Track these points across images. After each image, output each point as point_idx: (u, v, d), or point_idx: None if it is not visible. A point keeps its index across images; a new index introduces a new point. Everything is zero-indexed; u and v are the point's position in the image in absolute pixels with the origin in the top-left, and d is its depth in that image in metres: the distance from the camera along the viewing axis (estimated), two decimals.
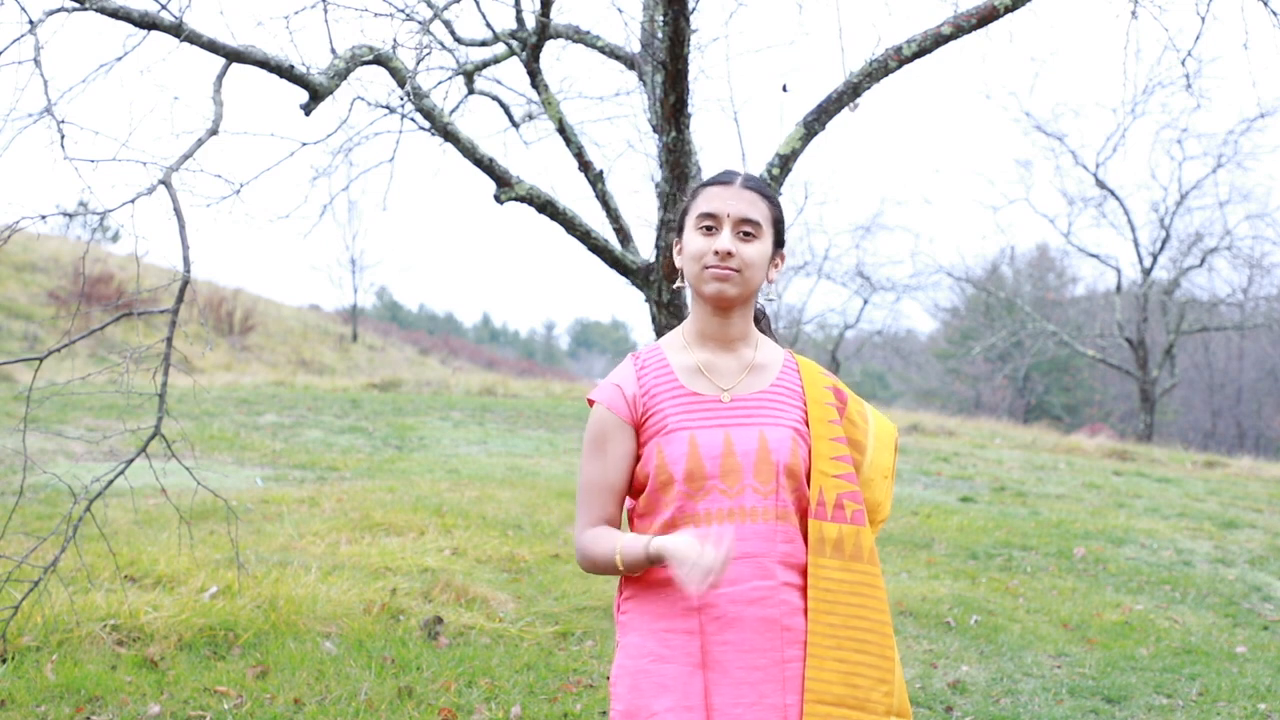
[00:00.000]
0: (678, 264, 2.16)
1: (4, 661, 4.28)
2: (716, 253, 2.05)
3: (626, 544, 2.03)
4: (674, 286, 2.42)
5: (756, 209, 2.10)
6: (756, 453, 2.05)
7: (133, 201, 3.99)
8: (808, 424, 2.12)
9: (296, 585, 5.28)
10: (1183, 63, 5.31)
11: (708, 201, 2.10)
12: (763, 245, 2.10)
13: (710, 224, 2.08)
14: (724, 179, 2.13)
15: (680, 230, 2.16)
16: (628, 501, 2.17)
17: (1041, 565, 7.71)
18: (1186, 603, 6.97)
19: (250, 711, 4.04)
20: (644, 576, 2.08)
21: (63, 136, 3.97)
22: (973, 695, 4.86)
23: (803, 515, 2.09)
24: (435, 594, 5.56)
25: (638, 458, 2.11)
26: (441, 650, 4.85)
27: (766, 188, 2.15)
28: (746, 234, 2.08)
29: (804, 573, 2.07)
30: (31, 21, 4.02)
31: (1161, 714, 4.77)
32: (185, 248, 4.05)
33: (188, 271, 4.04)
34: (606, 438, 2.11)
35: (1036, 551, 8.10)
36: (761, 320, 2.26)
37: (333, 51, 4.62)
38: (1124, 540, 8.74)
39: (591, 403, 2.15)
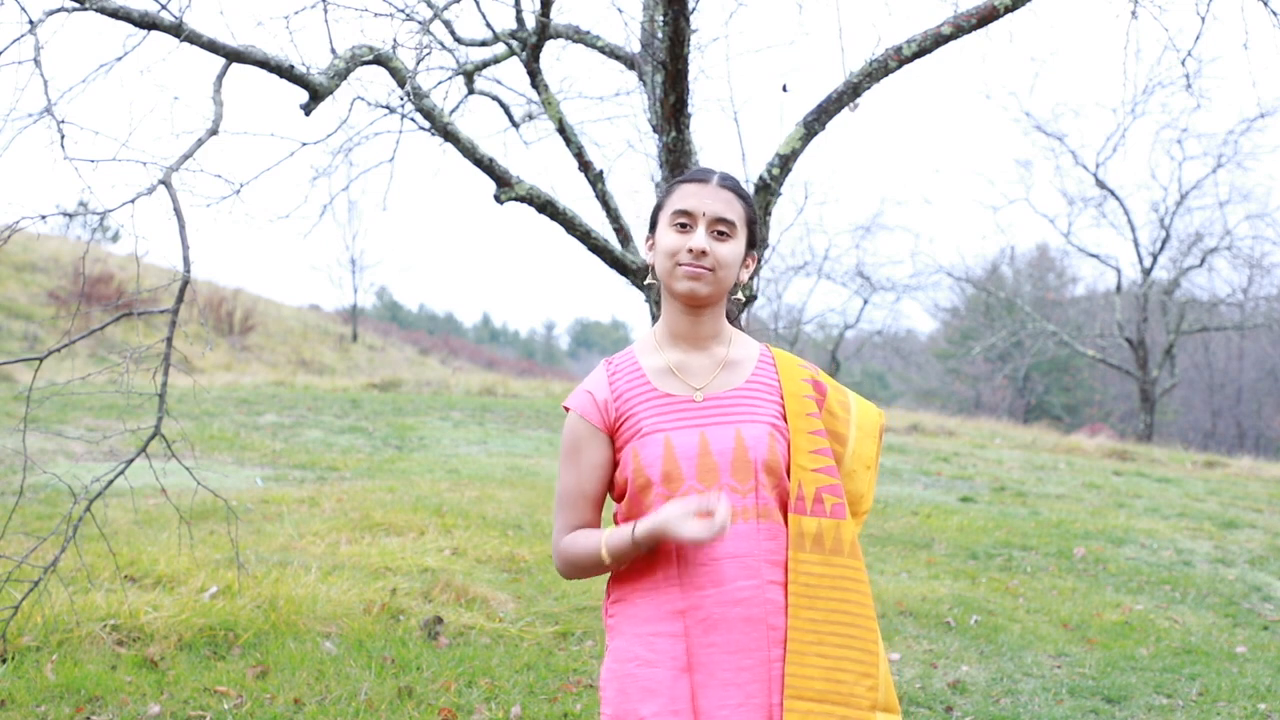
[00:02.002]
0: (649, 259, 2.15)
1: (4, 661, 4.28)
2: (691, 250, 2.04)
3: (611, 535, 2.03)
4: (646, 283, 2.40)
5: (732, 209, 2.08)
6: (733, 451, 2.04)
7: (133, 201, 3.99)
8: (785, 418, 2.10)
9: (296, 585, 5.28)
10: (1183, 63, 5.31)
11: (683, 198, 2.08)
12: (736, 245, 2.09)
13: (685, 221, 2.07)
14: (700, 176, 2.11)
15: (653, 226, 2.15)
16: (612, 506, 2.16)
17: (1041, 565, 7.71)
18: (1186, 603, 6.97)
19: (250, 711, 4.04)
20: (630, 580, 2.07)
21: (63, 136, 3.97)
22: (973, 695, 4.85)
23: (785, 511, 2.07)
24: (435, 594, 5.56)
25: (614, 463, 2.11)
26: (441, 650, 4.85)
27: (741, 187, 2.14)
28: (721, 233, 2.07)
29: (787, 569, 2.06)
30: (31, 21, 4.02)
31: (1161, 714, 4.77)
32: (185, 248, 4.05)
33: (188, 271, 4.04)
34: (579, 445, 2.11)
35: (1036, 551, 8.10)
36: (735, 318, 2.24)
37: (333, 51, 4.62)
38: (1124, 540, 8.74)
39: (568, 410, 2.14)
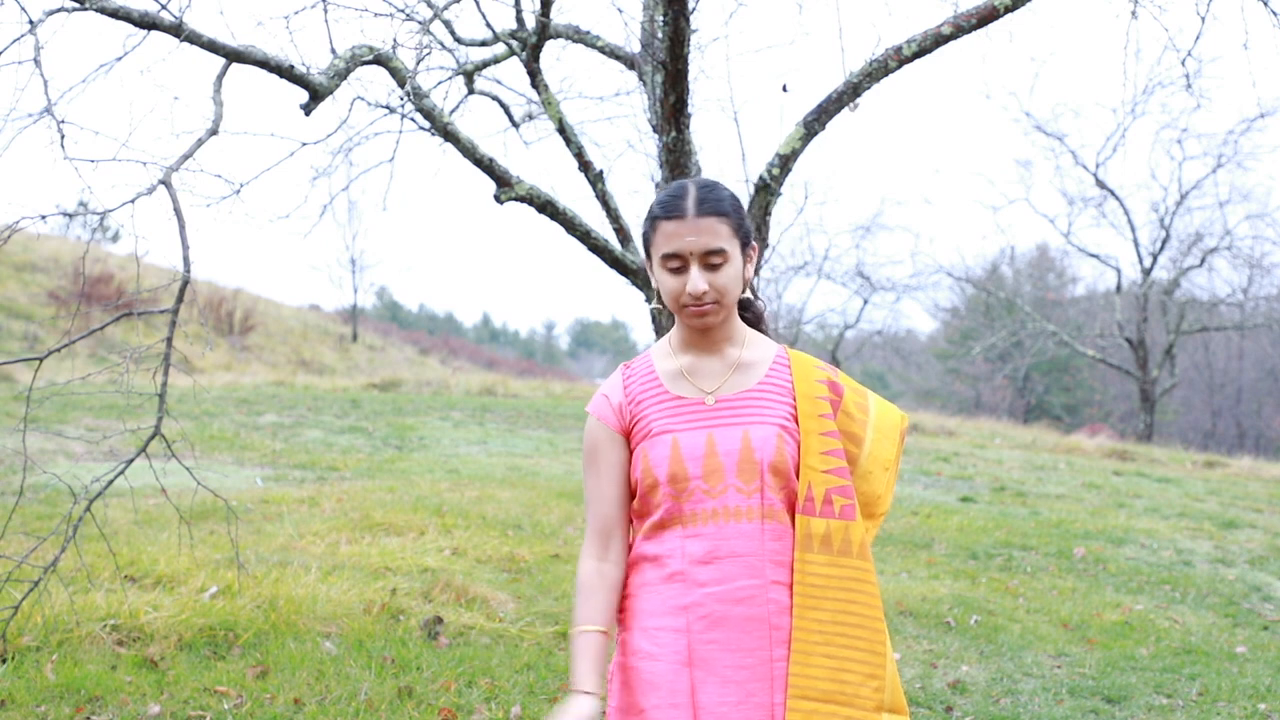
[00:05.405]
0: (654, 284, 2.15)
1: (4, 661, 4.28)
2: (690, 294, 2.04)
3: (581, 646, 2.05)
4: (652, 306, 2.41)
5: (718, 235, 2.04)
6: (739, 452, 2.06)
7: (133, 201, 3.99)
8: (796, 420, 2.11)
9: (296, 585, 5.29)
10: (1183, 63, 5.31)
11: (667, 241, 2.05)
12: (733, 265, 2.07)
13: (676, 265, 2.05)
14: (676, 211, 2.05)
15: (648, 255, 2.13)
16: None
17: (1041, 565, 7.71)
18: (1186, 603, 6.97)
19: (250, 711, 4.04)
20: (638, 576, 2.12)
21: (63, 136, 3.97)
22: (973, 695, 4.86)
23: (793, 512, 2.09)
24: (435, 594, 5.56)
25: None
26: (441, 650, 4.85)
27: (720, 201, 2.07)
28: (714, 264, 2.05)
29: (793, 570, 2.07)
30: (31, 21, 4.02)
31: (1161, 714, 4.77)
32: (185, 248, 4.05)
33: (188, 271, 4.04)
34: (598, 448, 2.15)
35: (1036, 551, 8.10)
36: (759, 320, 2.25)
37: (333, 51, 4.62)
38: (1124, 540, 8.74)
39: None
